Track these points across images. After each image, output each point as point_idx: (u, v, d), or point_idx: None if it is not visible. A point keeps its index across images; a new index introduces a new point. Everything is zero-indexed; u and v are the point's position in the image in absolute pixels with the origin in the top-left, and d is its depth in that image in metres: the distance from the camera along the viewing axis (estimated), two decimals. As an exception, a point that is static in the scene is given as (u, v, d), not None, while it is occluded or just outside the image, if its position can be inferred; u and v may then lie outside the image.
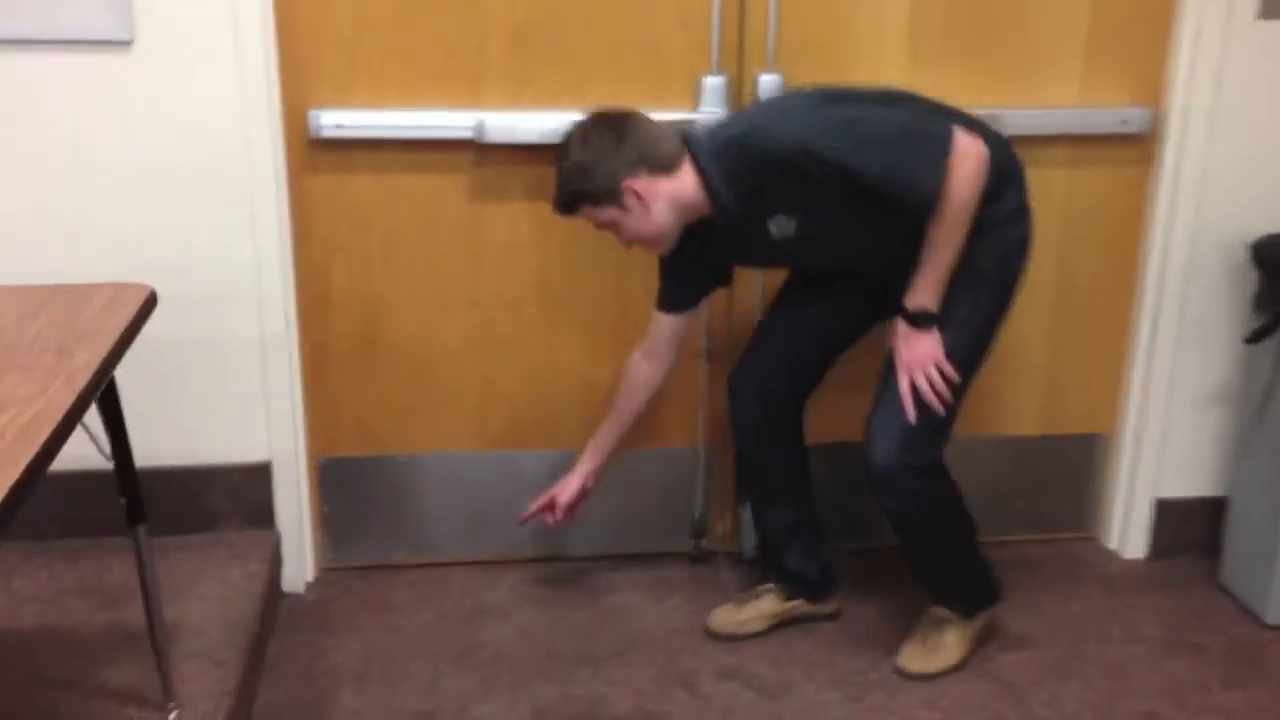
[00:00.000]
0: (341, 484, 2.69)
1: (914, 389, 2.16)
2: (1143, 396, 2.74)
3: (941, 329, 2.16)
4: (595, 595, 2.65)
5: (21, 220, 2.36)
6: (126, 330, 1.74)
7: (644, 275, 2.47)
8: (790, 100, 2.26)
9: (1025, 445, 2.82)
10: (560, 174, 2.13)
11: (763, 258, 2.35)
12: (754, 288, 2.63)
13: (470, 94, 2.46)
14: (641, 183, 2.09)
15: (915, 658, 2.36)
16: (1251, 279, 2.63)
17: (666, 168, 2.09)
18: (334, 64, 2.41)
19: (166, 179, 2.37)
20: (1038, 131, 2.55)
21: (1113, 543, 2.86)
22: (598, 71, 2.47)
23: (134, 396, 2.47)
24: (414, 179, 2.50)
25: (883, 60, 2.51)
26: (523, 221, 2.56)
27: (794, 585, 2.49)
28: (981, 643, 2.40)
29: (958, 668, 2.35)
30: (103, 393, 1.84)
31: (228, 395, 2.53)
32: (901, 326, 2.19)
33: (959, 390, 2.19)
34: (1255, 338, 2.52)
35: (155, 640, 1.96)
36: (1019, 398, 2.79)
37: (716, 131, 2.16)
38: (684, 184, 2.10)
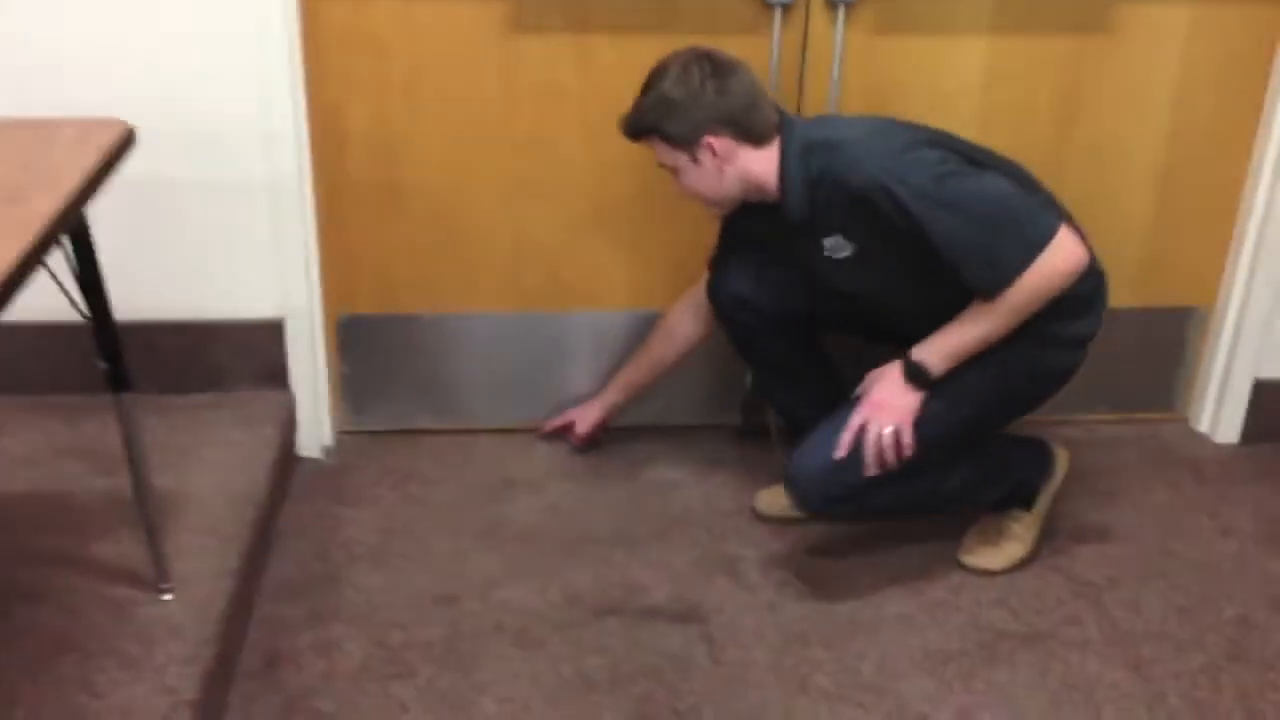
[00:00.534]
0: (361, 343, 2.48)
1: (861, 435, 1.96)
2: (1251, 266, 2.45)
3: (929, 395, 1.94)
4: (634, 470, 2.45)
5: (-4, 43, 2.11)
6: (94, 173, 1.49)
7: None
8: (891, 128, 1.97)
9: (1115, 317, 2.53)
10: (643, 98, 1.97)
11: (805, 265, 2.09)
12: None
13: (502, -97, 2.16)
14: (724, 143, 1.93)
15: (979, 553, 2.15)
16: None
17: (754, 139, 1.94)
18: None
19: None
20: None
21: (1203, 425, 2.61)
22: None
23: (131, 244, 2.28)
24: (440, 6, 2.21)
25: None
26: (564, 55, 2.27)
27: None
28: (1049, 522, 2.20)
29: (1026, 560, 2.14)
30: (78, 244, 1.63)
31: (235, 245, 2.31)
32: (892, 366, 1.96)
33: (905, 466, 1.96)
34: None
35: (146, 517, 1.78)
36: (1112, 264, 2.50)
37: (810, 130, 1.97)
38: (763, 165, 1.95)
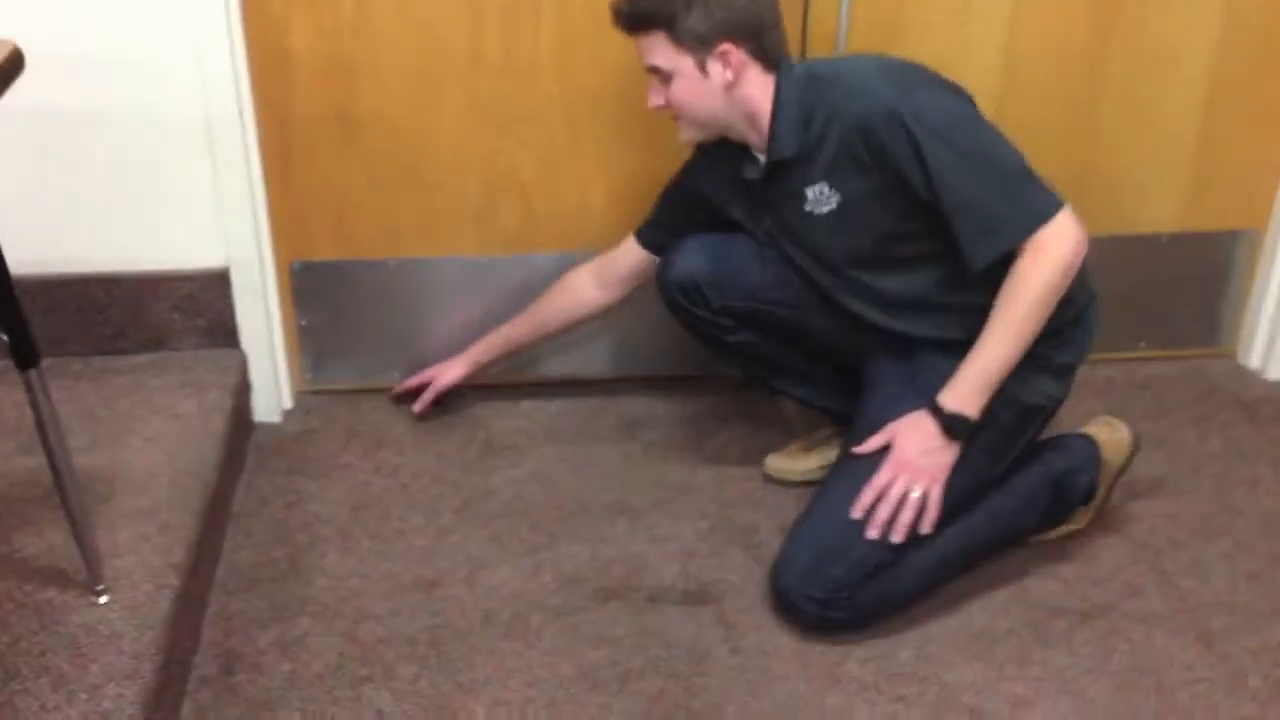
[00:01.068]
0: (318, 293, 2.21)
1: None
2: (1308, 184, 2.22)
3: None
4: (630, 429, 2.20)
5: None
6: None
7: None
8: (907, 66, 1.74)
9: (1156, 244, 2.31)
10: None
11: (779, 230, 1.84)
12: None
13: None
14: (740, 56, 1.71)
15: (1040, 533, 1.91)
16: None
17: (765, 62, 1.73)
18: None
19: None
20: None
21: (1253, 361, 2.39)
22: None
23: (53, 189, 2.00)
24: (392, -100, 1.92)
25: None
26: (536, -38, 1.99)
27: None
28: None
29: (1081, 529, 1.92)
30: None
31: (170, 186, 2.02)
32: (922, 418, 1.70)
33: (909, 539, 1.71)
34: None
35: (69, 509, 1.51)
36: (1155, 186, 2.26)
37: (813, 64, 1.78)
38: (762, 92, 1.73)
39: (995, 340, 1.66)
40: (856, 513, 1.68)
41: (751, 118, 1.75)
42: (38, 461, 1.74)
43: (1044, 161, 2.14)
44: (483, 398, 2.28)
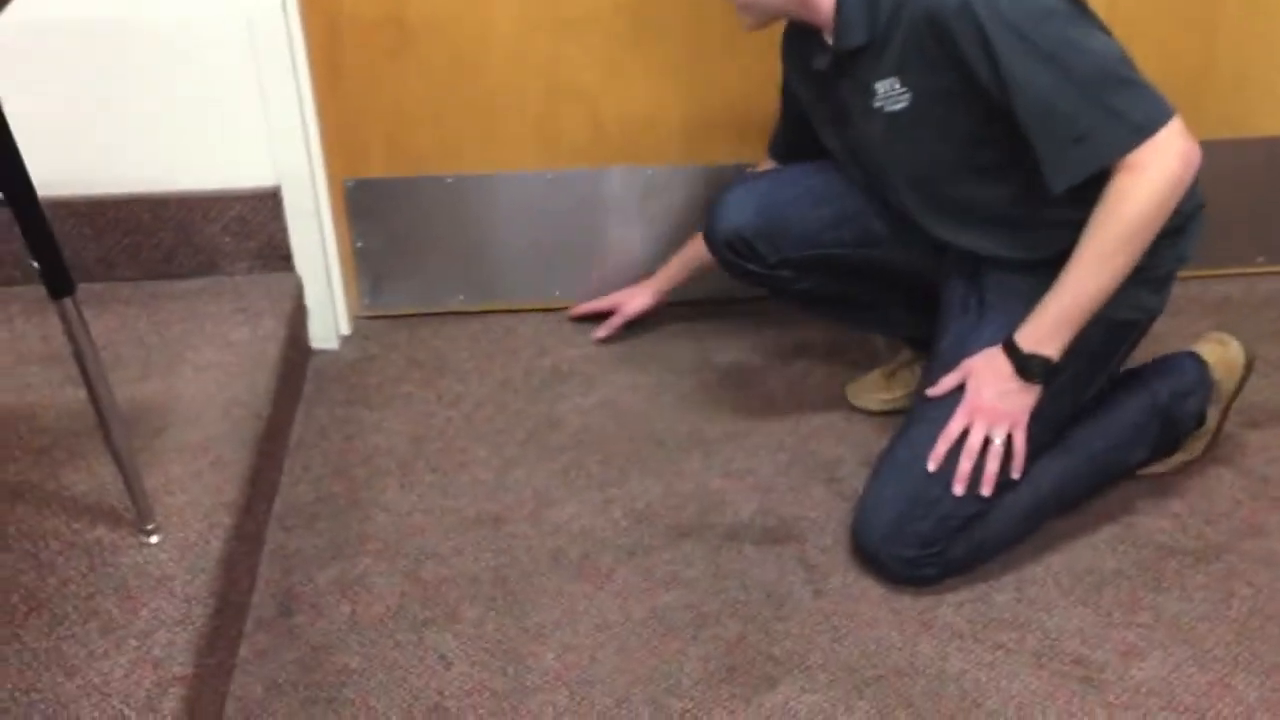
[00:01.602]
0: (374, 212, 2.10)
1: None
2: None
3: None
4: (704, 355, 2.08)
5: None
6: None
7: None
8: None
9: (1271, 148, 2.11)
10: None
11: (847, 131, 1.66)
12: None
13: None
14: None
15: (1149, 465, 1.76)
16: None
17: None
18: None
19: None
20: None
21: (1382, 278, 2.20)
22: None
23: (93, 105, 1.89)
24: None
25: None
26: None
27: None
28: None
29: (1195, 459, 1.77)
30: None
31: (214, 100, 1.92)
32: (995, 356, 1.53)
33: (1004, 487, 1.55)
34: None
35: (112, 445, 1.43)
36: (1267, 76, 2.06)
37: None
38: None
39: (1081, 275, 1.47)
40: (932, 465, 1.54)
41: (810, 3, 1.56)
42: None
43: (1158, 59, 1.96)
44: (549, 322, 2.17)
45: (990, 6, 1.39)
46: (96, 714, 1.25)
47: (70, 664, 1.32)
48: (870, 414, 1.91)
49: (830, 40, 1.58)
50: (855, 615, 1.55)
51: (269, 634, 1.53)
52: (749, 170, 1.86)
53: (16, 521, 1.50)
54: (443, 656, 1.50)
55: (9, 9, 1.21)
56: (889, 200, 1.68)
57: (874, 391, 1.92)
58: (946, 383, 1.58)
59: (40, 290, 1.39)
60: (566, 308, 2.18)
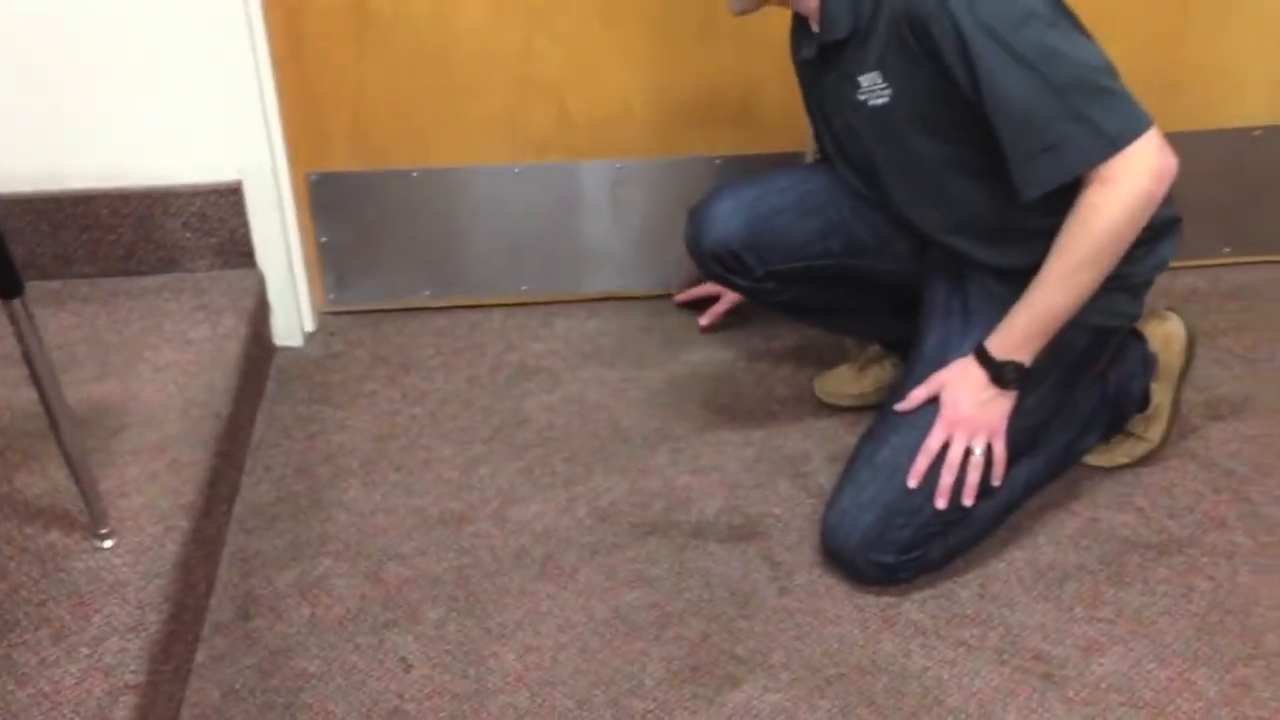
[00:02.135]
0: (339, 206, 2.08)
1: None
2: None
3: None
4: (672, 350, 2.06)
5: None
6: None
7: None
8: None
9: (1246, 140, 2.10)
10: None
11: (831, 118, 1.63)
12: None
13: None
14: None
15: (1096, 450, 1.76)
16: None
17: None
18: None
19: None
20: None
21: (1349, 268, 2.20)
22: None
23: (48, 99, 1.86)
24: None
25: None
26: None
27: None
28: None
29: (1157, 449, 1.77)
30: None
31: (171, 91, 1.89)
32: (969, 366, 1.52)
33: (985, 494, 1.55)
34: None
35: (64, 448, 1.41)
36: (1240, 73, 2.05)
37: None
38: None
39: (1050, 287, 1.45)
40: (913, 480, 1.52)
41: None
42: (44, 394, 1.65)
43: (1129, 53, 1.94)
44: (516, 317, 2.15)
45: (968, 7, 1.36)
46: (46, 723, 1.24)
47: (21, 672, 1.30)
48: (839, 409, 1.90)
49: (816, 29, 1.56)
50: (819, 613, 1.54)
51: (226, 638, 1.51)
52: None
53: (-32, 526, 1.49)
54: (403, 659, 1.48)
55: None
56: (874, 193, 1.66)
57: (843, 386, 1.91)
58: (916, 396, 1.57)
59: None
60: (534, 303, 2.17)
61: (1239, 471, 1.75)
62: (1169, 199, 1.49)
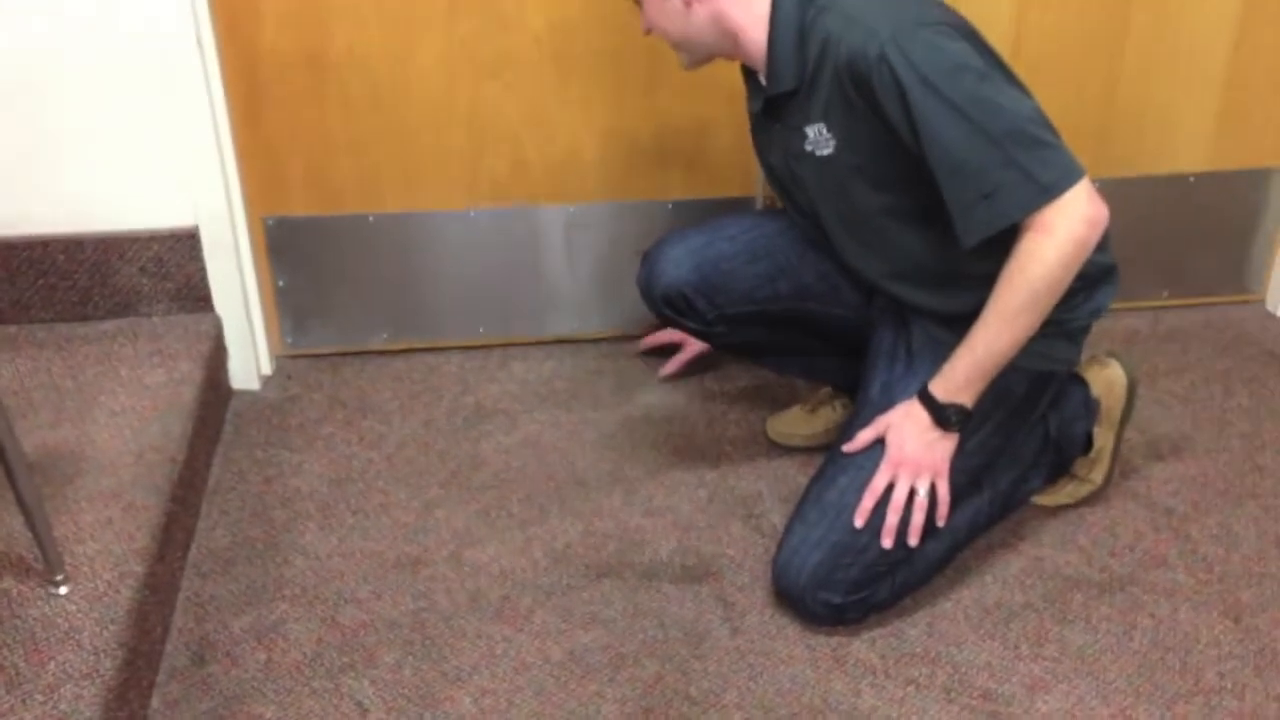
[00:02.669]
0: (295, 250, 2.10)
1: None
2: (1345, 119, 2.08)
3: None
4: (626, 392, 2.10)
5: None
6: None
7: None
8: (919, 1, 1.51)
9: (1182, 185, 2.18)
10: None
11: (780, 167, 1.68)
12: None
13: None
14: None
15: (1040, 491, 1.81)
16: None
17: None
18: None
19: None
20: None
21: (1282, 309, 2.28)
22: None
23: (4, 144, 1.88)
24: None
25: None
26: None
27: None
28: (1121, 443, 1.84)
29: (1100, 489, 1.81)
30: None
31: (128, 137, 1.90)
32: (913, 408, 1.56)
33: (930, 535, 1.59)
34: None
35: (19, 492, 1.41)
36: (1179, 121, 2.12)
37: None
38: (744, 10, 1.55)
39: (992, 329, 1.49)
40: (859, 520, 1.56)
41: (734, 38, 1.56)
42: (-3, 440, 1.65)
43: (1063, 98, 2.01)
44: (473, 359, 2.17)
45: (906, 58, 1.40)
46: (-1, 774, 1.24)
47: (-26, 720, 1.30)
48: (791, 450, 1.93)
49: (764, 81, 1.61)
50: (771, 653, 1.56)
51: (181, 684, 1.51)
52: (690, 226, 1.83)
53: (-80, 574, 1.48)
54: (359, 704, 1.49)
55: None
56: (821, 242, 1.71)
57: (795, 427, 1.94)
58: (863, 438, 1.60)
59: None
60: (491, 345, 2.19)
61: (1179, 510, 1.80)
62: (1105, 247, 1.55)
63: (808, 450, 1.91)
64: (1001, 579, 1.68)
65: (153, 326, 2.00)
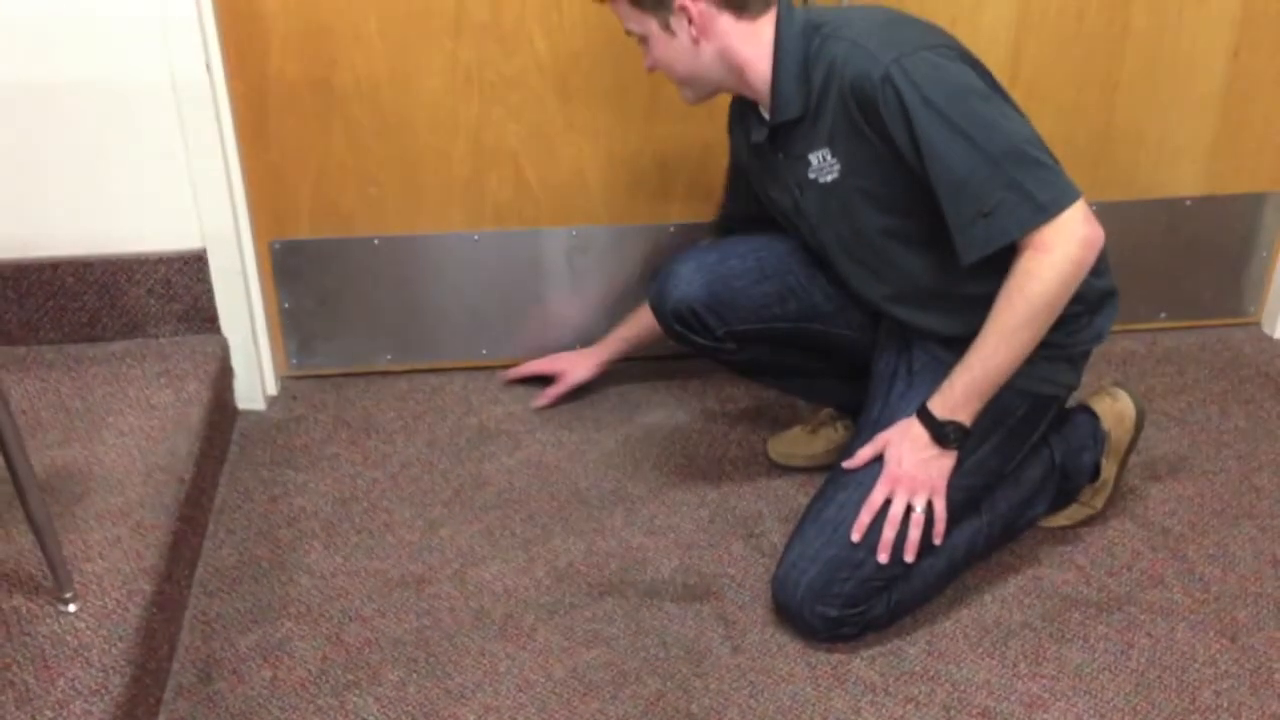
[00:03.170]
0: (301, 273, 2.12)
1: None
2: (1338, 144, 2.11)
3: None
4: (629, 412, 2.12)
5: None
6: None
7: None
8: (914, 24, 1.57)
9: (1179, 209, 2.20)
10: None
11: (782, 199, 1.71)
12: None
13: None
14: (702, 9, 1.57)
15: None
16: None
17: (739, 8, 1.57)
18: None
19: None
20: None
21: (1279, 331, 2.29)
22: None
23: (15, 169, 1.90)
24: None
25: None
26: (520, -83, 1.88)
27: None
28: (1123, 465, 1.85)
29: (1099, 513, 1.83)
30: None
31: (140, 164, 1.93)
32: (912, 425, 1.59)
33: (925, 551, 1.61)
34: None
35: (29, 511, 1.43)
36: (1176, 146, 2.15)
37: (814, 13, 1.59)
38: (749, 44, 1.59)
39: (990, 348, 1.52)
40: (855, 535, 1.58)
41: (741, 74, 1.60)
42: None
43: (1060, 123, 2.04)
44: (476, 380, 2.19)
45: (910, 79, 1.44)
46: (9, 789, 1.25)
47: (-16, 736, 1.32)
48: (791, 470, 1.95)
49: (767, 114, 1.63)
50: (772, 671, 1.58)
51: (189, 701, 1.53)
52: (703, 242, 1.83)
53: (-69, 591, 1.50)
54: (364, 720, 1.51)
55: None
56: (828, 269, 1.73)
57: (796, 447, 1.96)
58: (862, 455, 1.63)
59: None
60: (494, 366, 2.21)
61: (1176, 530, 1.81)
62: (1104, 271, 1.58)
63: (808, 471, 1.93)
64: (1000, 598, 1.69)
65: (160, 347, 2.03)
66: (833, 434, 1.94)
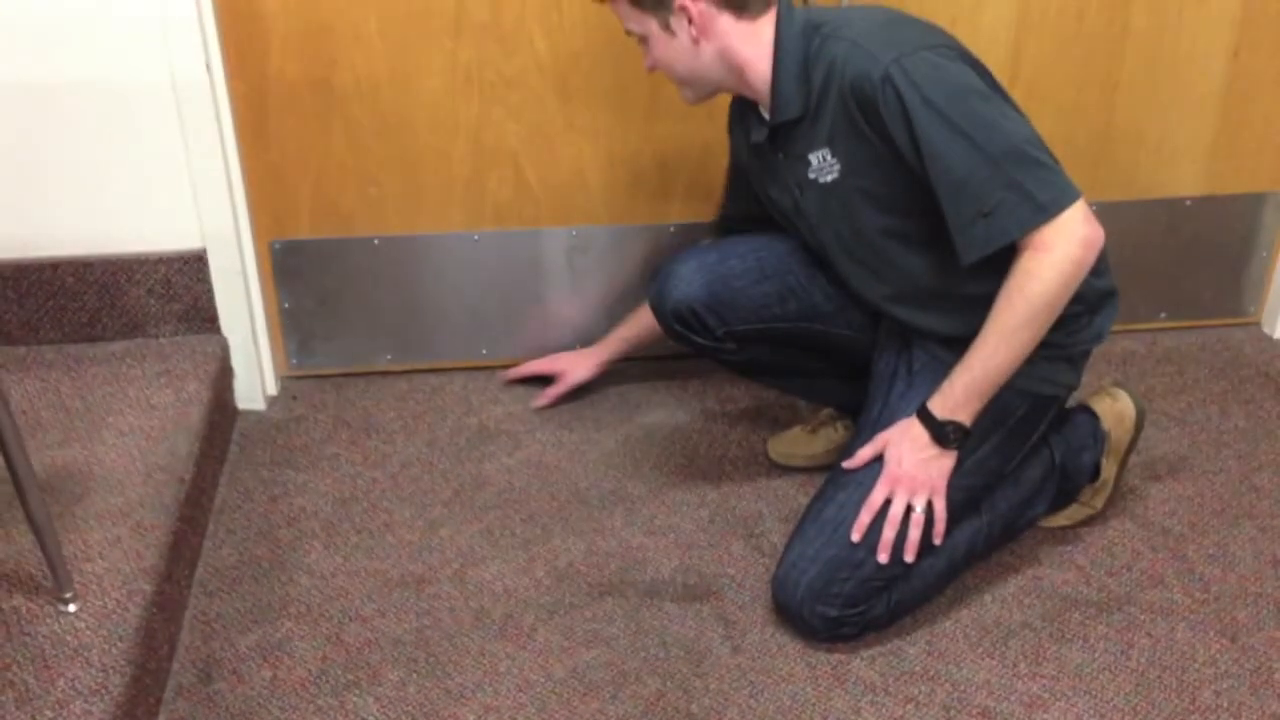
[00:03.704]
0: (301, 273, 2.12)
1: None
2: (1338, 144, 2.11)
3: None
4: (629, 412, 2.12)
5: None
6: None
7: None
8: (915, 24, 1.57)
9: (1179, 209, 2.20)
10: None
11: (781, 199, 1.71)
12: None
13: None
14: (702, 9, 1.57)
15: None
16: None
17: (739, 8, 1.57)
18: None
19: None
20: None
21: None
22: None
23: (16, 169, 1.90)
24: None
25: None
26: (519, -83, 1.88)
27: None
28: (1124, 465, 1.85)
29: (1099, 514, 1.83)
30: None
31: (140, 164, 1.93)
32: (912, 425, 1.59)
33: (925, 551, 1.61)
34: None
35: (29, 511, 1.43)
36: (1176, 146, 2.15)
37: (814, 12, 1.59)
38: (749, 44, 1.59)
39: (990, 348, 1.52)
40: (855, 535, 1.58)
41: (741, 73, 1.60)
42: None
43: (1060, 123, 2.04)
44: (476, 380, 2.19)
45: (910, 79, 1.44)
46: (9, 789, 1.25)
47: (-16, 736, 1.32)
48: (791, 470, 1.95)
49: (767, 114, 1.64)
50: (772, 671, 1.58)
51: (189, 701, 1.53)
52: (703, 243, 1.83)
53: (-69, 591, 1.50)
54: (363, 720, 1.51)
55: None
56: (828, 269, 1.73)
57: (796, 447, 1.96)
58: (863, 455, 1.63)
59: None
60: (494, 366, 2.21)
61: (1176, 530, 1.81)
62: (1105, 272, 1.58)
63: (808, 471, 1.93)
64: (1000, 598, 1.69)
65: (160, 347, 2.03)
66: (833, 434, 1.94)
